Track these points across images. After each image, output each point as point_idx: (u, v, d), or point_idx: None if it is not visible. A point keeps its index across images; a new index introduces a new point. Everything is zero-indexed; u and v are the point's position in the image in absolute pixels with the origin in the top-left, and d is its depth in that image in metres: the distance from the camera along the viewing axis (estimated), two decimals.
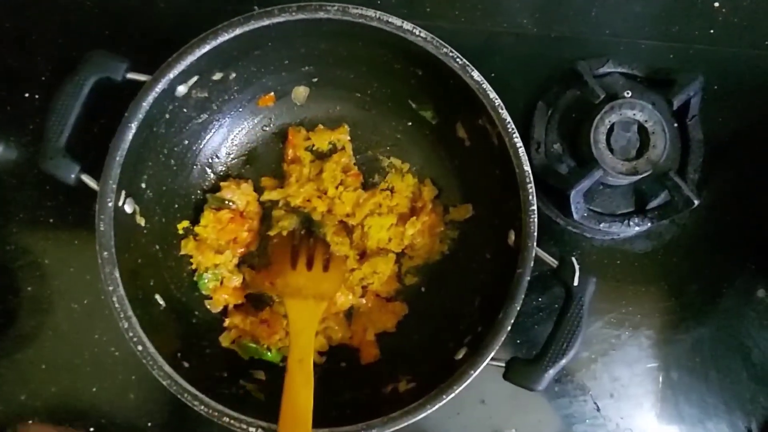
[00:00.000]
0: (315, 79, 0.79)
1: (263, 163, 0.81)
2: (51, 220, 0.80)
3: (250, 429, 0.61)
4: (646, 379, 0.81)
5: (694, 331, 0.82)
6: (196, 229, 0.77)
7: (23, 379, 0.78)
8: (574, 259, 0.65)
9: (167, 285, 0.73)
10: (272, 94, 0.80)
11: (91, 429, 0.77)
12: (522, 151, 0.64)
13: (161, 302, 0.70)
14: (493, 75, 0.83)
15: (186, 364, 0.65)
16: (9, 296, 0.79)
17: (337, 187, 0.78)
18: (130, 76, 0.65)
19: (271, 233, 0.78)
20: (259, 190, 0.80)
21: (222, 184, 0.78)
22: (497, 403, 0.79)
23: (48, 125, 0.64)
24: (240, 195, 0.78)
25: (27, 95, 0.82)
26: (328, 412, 0.68)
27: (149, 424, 0.77)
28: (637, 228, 0.80)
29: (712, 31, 0.86)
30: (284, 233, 0.78)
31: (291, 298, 0.71)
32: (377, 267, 0.76)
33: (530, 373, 0.62)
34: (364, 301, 0.78)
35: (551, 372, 0.62)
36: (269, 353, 0.75)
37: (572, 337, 0.63)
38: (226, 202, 0.77)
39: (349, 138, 0.81)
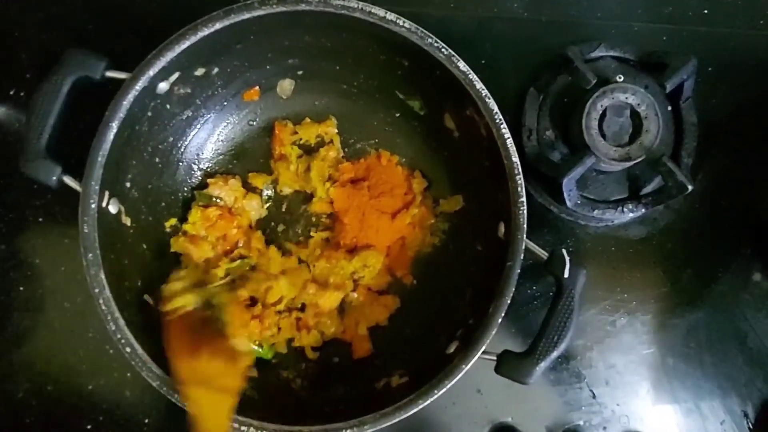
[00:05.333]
0: (300, 72, 0.78)
1: (251, 158, 0.81)
2: (40, 220, 0.80)
3: (242, 428, 0.61)
4: (641, 365, 0.81)
5: (689, 316, 0.82)
6: (185, 226, 0.76)
7: (19, 379, 0.78)
8: (564, 251, 0.64)
9: (156, 285, 0.72)
10: (257, 88, 0.79)
11: (88, 427, 0.77)
12: (510, 142, 0.63)
13: (150, 302, 0.70)
14: (483, 62, 0.82)
15: None
16: (1, 296, 0.79)
17: (324, 183, 0.77)
18: (110, 74, 0.65)
19: (167, 309, 0.67)
20: (246, 185, 0.79)
21: (209, 180, 0.77)
22: (493, 393, 0.79)
23: (27, 127, 0.63)
24: (228, 191, 0.77)
25: (11, 92, 0.81)
26: (320, 408, 0.69)
27: (146, 420, 0.78)
28: (631, 214, 0.79)
29: (706, 11, 0.84)
30: (181, 311, 0.68)
31: (197, 389, 0.60)
32: (367, 260, 0.76)
33: (522, 366, 0.62)
34: (356, 295, 0.78)
35: (543, 365, 0.62)
36: (260, 350, 0.75)
37: (563, 329, 0.62)
38: (214, 199, 0.77)
39: (336, 131, 0.80)
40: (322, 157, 0.77)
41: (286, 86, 0.80)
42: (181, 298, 0.68)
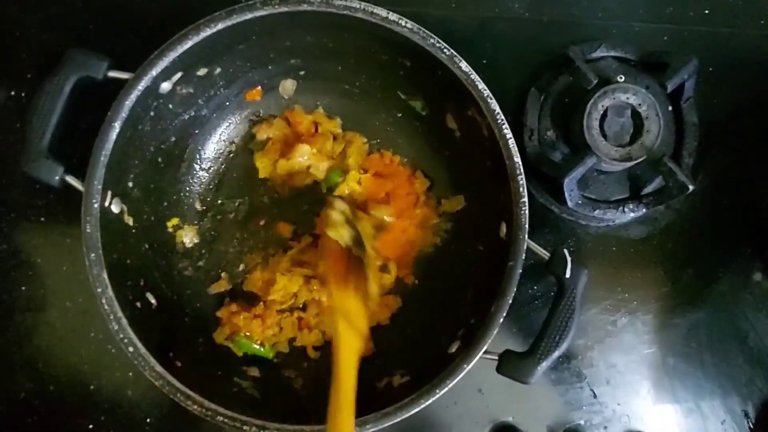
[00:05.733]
0: (302, 72, 0.78)
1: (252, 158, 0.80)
2: (42, 219, 0.80)
3: (244, 428, 0.61)
4: (642, 365, 0.81)
5: (690, 315, 0.82)
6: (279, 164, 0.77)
7: (21, 379, 0.78)
8: (565, 251, 0.64)
9: (158, 284, 0.73)
10: (259, 88, 0.79)
11: (90, 426, 0.77)
12: (512, 142, 0.64)
13: (153, 301, 0.70)
14: (484, 62, 0.82)
15: (179, 363, 0.65)
16: (3, 296, 0.79)
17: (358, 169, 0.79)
18: (112, 74, 0.65)
19: (330, 234, 0.71)
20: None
21: (254, 129, 0.79)
22: (494, 392, 0.79)
23: (29, 127, 0.63)
24: (276, 130, 0.78)
25: (12, 93, 0.81)
26: (322, 408, 0.69)
27: (148, 420, 0.78)
28: (632, 214, 0.79)
29: (707, 11, 0.84)
30: (341, 243, 0.71)
31: (342, 321, 0.65)
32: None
33: (523, 366, 0.62)
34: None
35: (544, 365, 0.62)
36: (262, 349, 0.75)
37: (565, 329, 0.63)
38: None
39: (341, 131, 0.80)
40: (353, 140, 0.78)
41: (288, 86, 0.80)
42: (337, 230, 0.70)
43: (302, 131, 0.79)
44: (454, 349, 0.66)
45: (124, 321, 0.62)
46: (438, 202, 0.80)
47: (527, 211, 0.64)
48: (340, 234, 0.70)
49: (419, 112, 0.78)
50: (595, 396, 0.80)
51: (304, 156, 0.76)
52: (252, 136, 0.80)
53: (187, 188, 0.79)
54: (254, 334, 0.75)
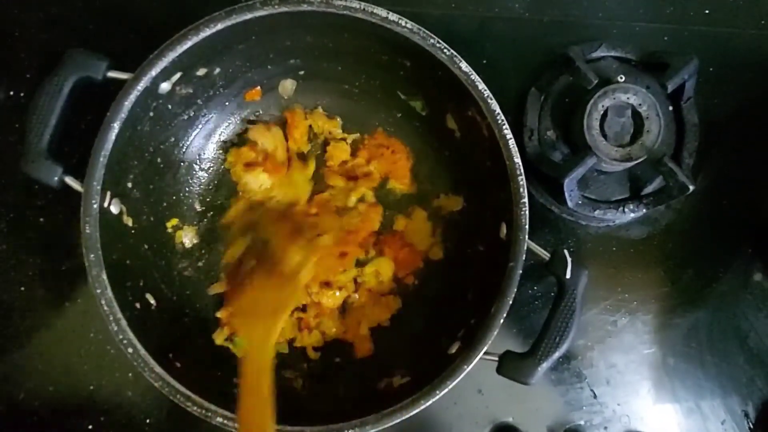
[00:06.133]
0: (302, 72, 0.78)
1: None
2: (41, 220, 0.80)
3: None
4: (642, 365, 0.81)
5: (690, 316, 0.82)
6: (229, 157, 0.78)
7: (20, 379, 0.78)
8: (565, 251, 0.64)
9: (158, 285, 0.73)
10: (258, 88, 0.79)
11: (90, 427, 0.77)
12: (512, 142, 0.63)
13: (152, 302, 0.70)
14: (484, 62, 0.82)
15: (178, 364, 0.65)
16: (2, 296, 0.79)
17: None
18: (111, 74, 0.64)
19: (225, 260, 0.69)
20: None
21: (250, 126, 0.78)
22: (494, 393, 0.79)
23: (28, 128, 0.63)
24: (269, 138, 0.77)
25: (12, 93, 0.81)
26: (322, 408, 0.69)
27: (147, 420, 0.78)
28: (632, 214, 0.79)
29: (707, 11, 0.84)
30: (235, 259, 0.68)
31: (240, 318, 0.65)
32: (380, 267, 0.76)
33: (523, 367, 0.62)
34: (357, 296, 0.78)
35: (544, 366, 0.62)
36: None
37: (565, 330, 0.62)
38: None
39: (341, 131, 0.80)
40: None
41: (287, 86, 0.80)
42: (236, 246, 0.67)
43: (295, 135, 0.79)
44: (454, 349, 0.66)
45: (124, 322, 0.62)
46: (436, 197, 0.80)
47: (527, 212, 0.63)
48: (238, 248, 0.67)
49: (419, 112, 0.78)
50: (595, 396, 0.80)
51: (258, 183, 0.77)
52: (245, 130, 0.80)
53: (187, 189, 0.79)
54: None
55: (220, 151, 0.81)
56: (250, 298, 0.64)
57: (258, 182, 0.78)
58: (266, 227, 0.68)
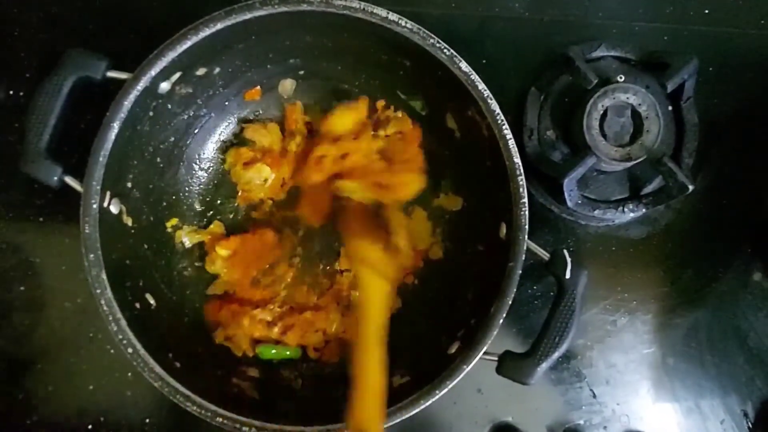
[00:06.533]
0: (301, 72, 0.78)
1: None
2: (41, 219, 0.80)
3: (243, 429, 0.61)
4: (642, 364, 0.81)
5: (690, 315, 0.82)
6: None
7: (19, 379, 0.78)
8: (565, 251, 0.64)
9: (158, 284, 0.72)
10: (258, 87, 0.79)
11: (89, 426, 0.77)
12: (512, 142, 0.63)
13: (152, 302, 0.70)
14: (484, 61, 0.82)
15: (178, 364, 0.65)
16: (2, 296, 0.79)
17: None
18: (111, 74, 0.64)
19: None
20: None
21: (245, 126, 0.79)
22: (494, 392, 0.79)
23: (28, 127, 0.63)
24: (266, 135, 0.78)
25: (11, 92, 0.81)
26: (321, 408, 0.69)
27: (147, 420, 0.78)
28: (631, 214, 0.79)
29: (707, 11, 0.84)
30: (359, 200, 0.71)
31: (365, 269, 0.67)
32: None
33: (523, 367, 0.62)
34: (357, 293, 0.77)
35: (544, 366, 0.62)
36: (288, 352, 0.76)
37: (565, 330, 0.62)
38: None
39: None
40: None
41: (287, 86, 0.79)
42: (350, 186, 0.70)
43: (294, 130, 0.79)
44: (453, 349, 0.66)
45: (123, 322, 0.62)
46: (436, 196, 0.80)
47: (527, 212, 0.63)
48: (350, 190, 0.70)
49: (419, 112, 0.78)
50: (594, 396, 0.80)
51: (261, 178, 0.78)
52: (241, 129, 0.80)
53: (187, 188, 0.79)
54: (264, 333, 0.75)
55: (220, 151, 0.81)
56: (376, 251, 0.67)
57: (261, 176, 0.78)
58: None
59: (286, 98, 0.80)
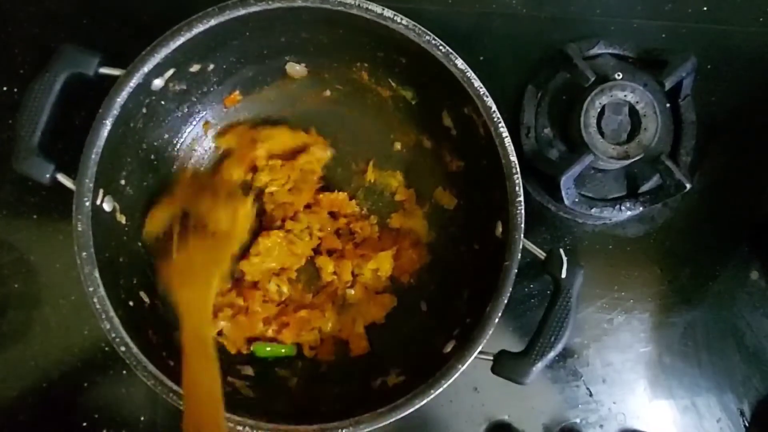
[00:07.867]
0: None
1: None
2: (35, 216, 0.79)
3: (237, 428, 0.61)
4: (638, 363, 0.81)
5: (686, 314, 0.82)
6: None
7: (14, 376, 0.77)
8: (561, 251, 0.64)
9: (151, 282, 0.72)
10: (237, 92, 0.78)
11: (84, 424, 0.77)
12: (508, 141, 0.63)
13: (146, 300, 0.69)
14: (481, 58, 0.82)
15: (171, 363, 0.64)
16: None
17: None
18: (103, 70, 0.64)
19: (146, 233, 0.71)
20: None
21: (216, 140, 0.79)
22: (490, 391, 0.79)
23: (20, 124, 0.62)
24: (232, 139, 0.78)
25: (5, 89, 0.81)
26: (316, 407, 0.69)
27: (142, 418, 0.77)
28: (629, 212, 0.79)
29: (705, 8, 0.83)
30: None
31: (176, 280, 0.64)
32: (381, 265, 0.76)
33: (518, 366, 0.62)
34: (353, 291, 0.77)
35: (539, 365, 0.62)
36: (283, 350, 0.76)
37: (560, 329, 0.62)
38: None
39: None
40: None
41: (298, 69, 0.78)
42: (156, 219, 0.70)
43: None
44: (449, 348, 0.66)
45: (116, 320, 0.61)
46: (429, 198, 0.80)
47: (523, 211, 0.63)
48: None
49: (409, 102, 0.77)
50: (591, 394, 0.80)
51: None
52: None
53: None
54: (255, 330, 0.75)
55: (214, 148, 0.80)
56: (184, 260, 0.65)
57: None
58: (186, 198, 0.70)
59: (298, 79, 0.79)
